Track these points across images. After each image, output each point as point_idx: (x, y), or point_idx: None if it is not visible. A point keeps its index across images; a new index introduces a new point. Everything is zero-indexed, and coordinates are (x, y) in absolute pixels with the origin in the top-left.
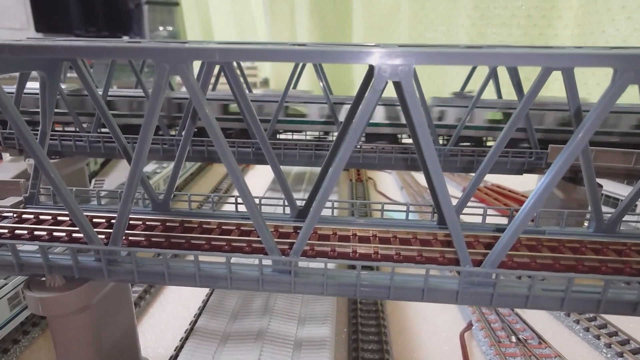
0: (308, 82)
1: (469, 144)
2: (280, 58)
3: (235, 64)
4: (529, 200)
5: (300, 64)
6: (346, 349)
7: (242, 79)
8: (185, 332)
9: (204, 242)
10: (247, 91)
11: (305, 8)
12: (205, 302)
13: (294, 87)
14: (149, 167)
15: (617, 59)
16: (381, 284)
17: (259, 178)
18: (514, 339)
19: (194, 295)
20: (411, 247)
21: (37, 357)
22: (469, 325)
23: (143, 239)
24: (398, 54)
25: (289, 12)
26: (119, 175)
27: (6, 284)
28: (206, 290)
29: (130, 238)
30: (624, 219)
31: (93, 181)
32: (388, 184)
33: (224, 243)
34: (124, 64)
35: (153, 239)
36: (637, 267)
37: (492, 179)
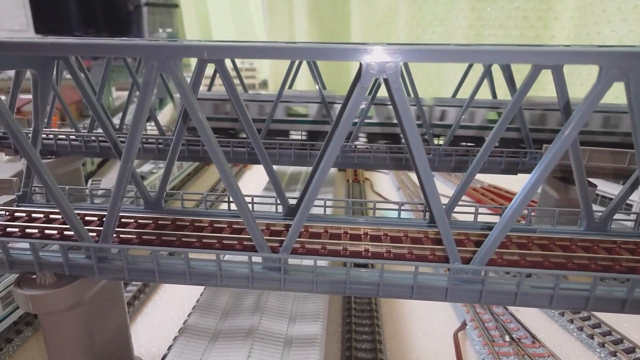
0: (305, 83)
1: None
2: (271, 55)
3: (231, 64)
4: (517, 197)
5: (296, 65)
6: (339, 347)
7: (238, 80)
8: (179, 332)
9: (195, 240)
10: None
11: (303, 10)
12: (198, 301)
13: (290, 87)
14: (145, 167)
15: (602, 56)
16: (371, 281)
17: (257, 178)
18: (507, 338)
19: (189, 295)
20: (402, 245)
21: (30, 356)
22: (463, 325)
23: (134, 236)
24: (386, 52)
25: (288, 14)
26: (115, 175)
27: None
28: (201, 290)
29: (121, 236)
30: (615, 217)
31: (89, 181)
32: (385, 185)
33: (215, 241)
34: (121, 64)
35: (144, 237)
36: (627, 265)
37: (488, 179)
